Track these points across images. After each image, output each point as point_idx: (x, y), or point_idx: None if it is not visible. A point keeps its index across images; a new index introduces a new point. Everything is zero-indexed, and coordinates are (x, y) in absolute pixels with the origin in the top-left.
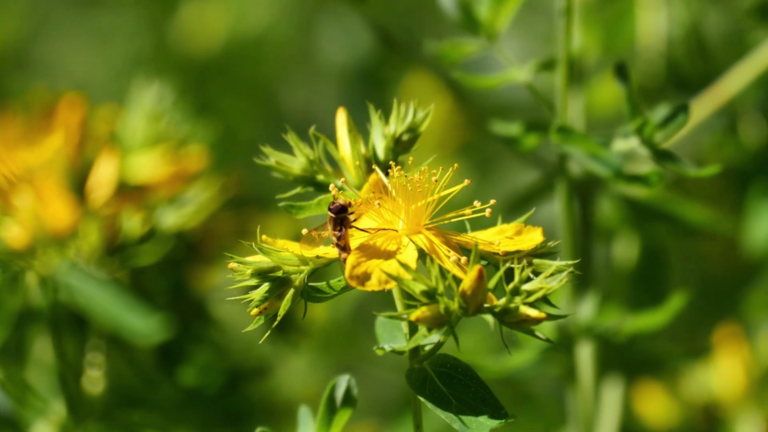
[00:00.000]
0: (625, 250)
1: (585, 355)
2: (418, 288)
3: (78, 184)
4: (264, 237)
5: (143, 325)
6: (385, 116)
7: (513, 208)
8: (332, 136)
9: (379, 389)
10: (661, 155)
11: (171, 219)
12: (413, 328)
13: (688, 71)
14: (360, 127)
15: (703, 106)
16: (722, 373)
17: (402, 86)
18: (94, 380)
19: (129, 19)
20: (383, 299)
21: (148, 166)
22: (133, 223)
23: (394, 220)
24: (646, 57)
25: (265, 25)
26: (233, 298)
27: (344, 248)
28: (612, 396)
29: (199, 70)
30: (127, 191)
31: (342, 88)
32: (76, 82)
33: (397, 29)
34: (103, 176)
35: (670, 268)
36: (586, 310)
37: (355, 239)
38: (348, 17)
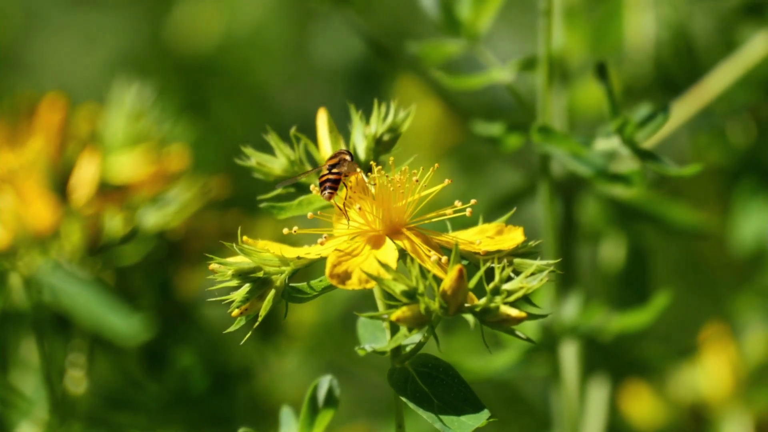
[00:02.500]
0: (611, 250)
1: (569, 355)
2: (398, 288)
3: (59, 184)
4: (245, 238)
5: (125, 326)
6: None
7: (497, 209)
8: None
9: (371, 391)
10: (642, 154)
11: (153, 219)
12: (394, 328)
13: (675, 72)
14: (349, 128)
15: (688, 106)
16: (709, 373)
17: (396, 86)
18: (77, 381)
19: (122, 19)
20: (374, 300)
21: (129, 165)
22: (115, 223)
23: (374, 220)
24: (634, 58)
25: (258, 24)
26: (215, 299)
27: (332, 187)
28: (598, 396)
29: (193, 69)
30: (109, 191)
31: (336, 89)
32: (65, 81)
33: (384, 31)
34: (85, 176)
35: (657, 268)
36: (570, 309)
37: (336, 239)
38: (338, 18)
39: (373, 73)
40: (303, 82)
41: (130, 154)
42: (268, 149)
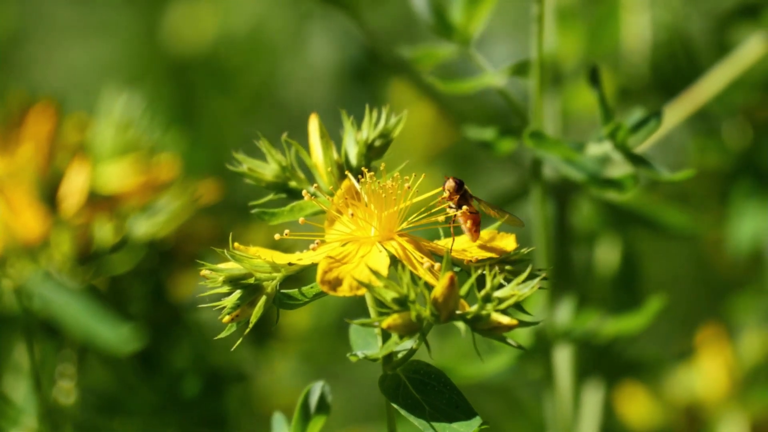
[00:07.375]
0: (605, 253)
1: (563, 358)
2: (389, 295)
3: (49, 193)
4: (236, 244)
5: (114, 336)
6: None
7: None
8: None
9: (363, 396)
10: (635, 159)
11: (143, 228)
12: (386, 335)
13: (671, 74)
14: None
15: (683, 108)
16: (705, 374)
17: (392, 86)
18: (66, 391)
19: (118, 18)
20: (367, 306)
21: (118, 175)
22: (104, 233)
23: (366, 226)
24: (630, 60)
25: (255, 24)
26: (206, 305)
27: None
28: (592, 399)
29: (188, 69)
30: (99, 200)
31: (334, 88)
32: (59, 81)
33: (379, 33)
34: (74, 185)
35: (657, 270)
36: (564, 314)
37: (327, 246)
38: (336, 18)
39: (368, 74)
40: (300, 82)
41: (120, 163)
42: (262, 152)
